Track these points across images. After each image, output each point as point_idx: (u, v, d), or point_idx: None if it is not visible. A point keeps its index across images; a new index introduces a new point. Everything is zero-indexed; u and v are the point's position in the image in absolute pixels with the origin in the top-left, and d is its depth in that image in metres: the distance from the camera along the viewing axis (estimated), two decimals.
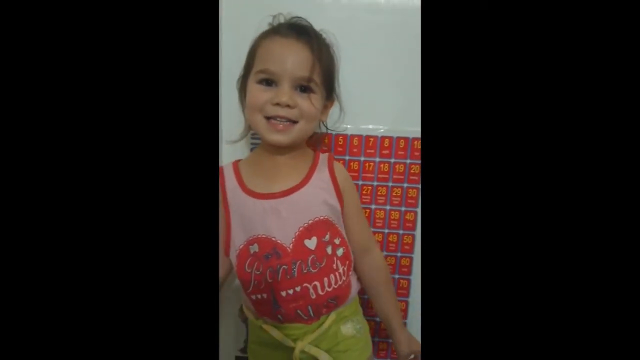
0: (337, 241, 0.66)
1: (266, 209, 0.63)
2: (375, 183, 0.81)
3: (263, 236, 0.63)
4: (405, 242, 0.83)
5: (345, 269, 0.66)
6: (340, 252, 0.66)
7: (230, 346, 0.87)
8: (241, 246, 0.64)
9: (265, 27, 0.67)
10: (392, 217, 0.82)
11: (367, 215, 0.82)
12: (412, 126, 0.78)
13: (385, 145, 0.80)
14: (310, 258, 0.63)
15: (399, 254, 0.83)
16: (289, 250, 0.62)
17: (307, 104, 0.62)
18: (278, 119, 0.61)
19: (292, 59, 0.60)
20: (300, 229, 0.63)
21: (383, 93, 0.78)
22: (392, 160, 0.80)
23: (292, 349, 0.64)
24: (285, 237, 0.62)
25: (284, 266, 0.62)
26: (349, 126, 0.79)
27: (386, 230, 0.83)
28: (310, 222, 0.63)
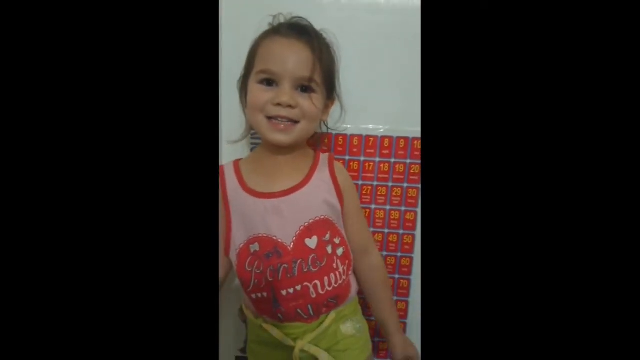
0: (337, 241, 0.66)
1: (267, 208, 0.63)
2: (375, 183, 0.81)
3: (264, 235, 0.63)
4: (405, 242, 0.83)
5: (345, 268, 0.67)
6: (340, 251, 0.66)
7: (230, 346, 0.87)
8: (242, 245, 0.64)
9: (265, 27, 0.67)
10: (392, 217, 0.82)
11: (367, 215, 0.82)
12: (412, 126, 0.78)
13: (385, 145, 0.80)
14: (310, 257, 0.63)
15: (399, 254, 0.83)
16: (290, 249, 0.62)
17: (308, 103, 0.62)
18: (279, 119, 0.61)
19: (293, 59, 0.60)
20: (301, 228, 0.63)
21: (383, 93, 0.78)
22: (392, 160, 0.80)
23: (292, 348, 0.64)
24: (286, 236, 0.63)
25: (285, 265, 0.62)
26: (349, 126, 0.79)
27: (386, 230, 0.83)
28: (311, 221, 0.63)
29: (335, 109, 0.72)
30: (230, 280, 0.77)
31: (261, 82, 0.62)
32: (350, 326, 0.68)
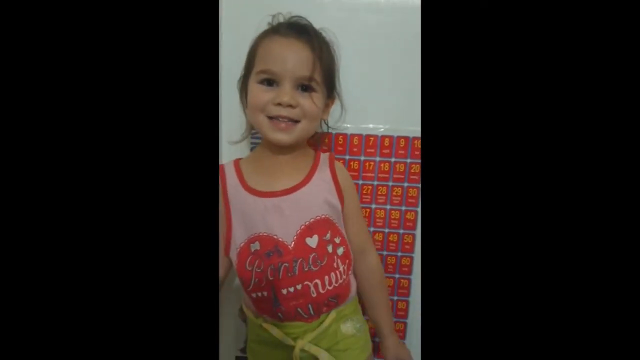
0: (337, 240, 0.66)
1: (268, 207, 0.63)
2: (375, 182, 0.81)
3: (264, 234, 0.63)
4: (405, 241, 0.83)
5: (345, 267, 0.67)
6: (340, 251, 0.66)
7: (230, 346, 0.87)
8: (242, 244, 0.64)
9: (264, 26, 0.67)
10: (392, 217, 0.82)
11: (367, 214, 0.82)
12: (412, 125, 0.78)
13: (386, 145, 0.80)
14: (311, 256, 0.63)
15: (399, 254, 0.83)
16: (291, 248, 0.62)
17: (309, 103, 0.62)
18: (280, 118, 0.61)
19: (293, 58, 0.60)
20: (302, 227, 0.63)
21: (383, 92, 0.78)
22: (393, 159, 0.80)
23: (292, 348, 0.64)
24: (286, 235, 0.63)
25: (285, 264, 0.62)
26: (349, 125, 0.79)
27: (386, 230, 0.82)
28: (312, 220, 0.64)
29: (335, 108, 0.72)
30: (230, 280, 0.77)
31: (261, 82, 0.62)
32: (350, 326, 0.68)
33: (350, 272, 0.69)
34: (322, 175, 0.66)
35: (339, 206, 0.66)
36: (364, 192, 0.81)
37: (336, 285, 0.65)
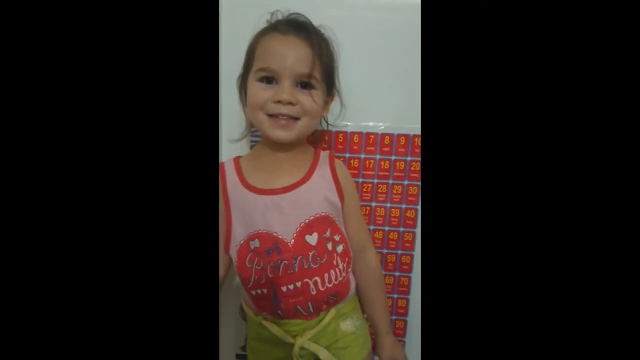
0: (337, 238, 0.66)
1: (267, 204, 0.63)
2: (375, 180, 0.81)
3: (264, 231, 0.63)
4: (405, 239, 0.83)
5: (344, 265, 0.67)
6: (340, 248, 0.66)
7: (231, 344, 0.87)
8: (242, 242, 0.64)
9: (263, 24, 0.67)
10: (392, 215, 0.82)
11: (367, 212, 0.82)
12: (412, 123, 0.78)
13: (386, 143, 0.79)
14: (311, 254, 0.63)
15: (399, 252, 0.83)
16: (290, 245, 0.62)
17: (309, 100, 0.61)
18: (280, 116, 0.61)
19: (292, 55, 0.60)
20: (302, 224, 0.63)
21: (383, 90, 0.78)
22: (393, 157, 0.80)
23: (292, 346, 0.64)
24: (286, 232, 0.63)
25: (285, 261, 0.62)
26: (349, 123, 0.78)
27: (387, 228, 0.82)
28: (312, 218, 0.64)
29: (335, 105, 0.72)
30: (230, 279, 0.77)
31: (261, 79, 0.62)
32: (350, 324, 0.68)
33: (349, 270, 0.69)
34: (322, 172, 0.66)
35: (339, 204, 0.66)
36: (364, 190, 0.81)
37: (336, 282, 0.65)
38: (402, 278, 0.84)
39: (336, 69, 0.68)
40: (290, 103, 0.60)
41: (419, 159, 0.79)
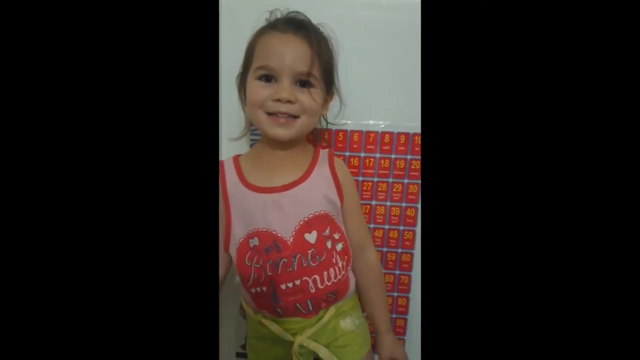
0: (336, 236, 0.66)
1: (267, 202, 0.63)
2: (375, 179, 0.81)
3: (263, 229, 0.63)
4: (406, 238, 0.83)
5: (344, 263, 0.67)
6: (339, 246, 0.66)
7: (231, 343, 0.87)
8: (241, 240, 0.65)
9: (262, 23, 0.67)
10: (392, 213, 0.82)
11: (367, 211, 0.82)
12: (412, 122, 0.78)
13: (386, 141, 0.79)
14: (310, 252, 0.63)
15: (399, 250, 0.83)
16: (289, 243, 0.62)
17: (308, 98, 0.61)
18: (279, 114, 0.61)
19: (291, 54, 0.60)
20: (301, 222, 0.63)
21: (383, 89, 0.78)
22: (393, 156, 0.80)
23: (291, 344, 0.64)
24: (285, 230, 0.63)
25: (284, 259, 0.62)
26: (349, 122, 0.78)
27: (387, 227, 0.82)
28: (311, 216, 0.64)
29: (334, 103, 0.72)
30: (230, 278, 0.77)
31: (260, 78, 0.62)
32: (349, 322, 0.68)
33: (349, 268, 0.69)
34: (322, 171, 0.66)
35: (338, 202, 0.66)
36: (364, 188, 0.81)
37: (335, 281, 0.65)
38: (402, 276, 0.84)
39: (335, 68, 0.68)
40: (289, 101, 0.60)
41: (419, 157, 0.79)
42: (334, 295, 0.65)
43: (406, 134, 0.79)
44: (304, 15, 0.66)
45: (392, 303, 0.85)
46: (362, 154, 0.80)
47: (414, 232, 0.82)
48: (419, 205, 0.81)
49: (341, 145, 0.80)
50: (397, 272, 0.84)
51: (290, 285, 0.62)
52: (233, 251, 0.66)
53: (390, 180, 0.81)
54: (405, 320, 0.86)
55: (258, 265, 0.63)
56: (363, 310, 0.74)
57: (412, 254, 0.83)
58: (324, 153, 0.69)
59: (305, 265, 0.63)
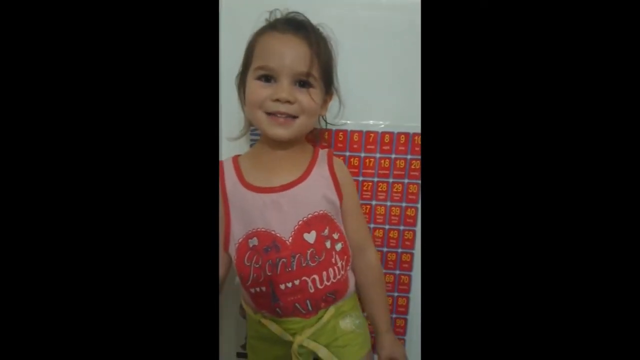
0: (335, 236, 0.66)
1: (266, 202, 0.63)
2: (375, 179, 0.81)
3: (262, 230, 0.63)
4: (406, 237, 0.83)
5: (343, 263, 0.67)
6: (338, 246, 0.66)
7: (231, 343, 0.87)
8: (240, 240, 0.65)
9: (262, 23, 0.67)
10: (392, 213, 0.82)
11: (367, 211, 0.82)
12: (412, 122, 0.78)
13: (386, 141, 0.79)
14: (309, 252, 0.63)
15: (399, 250, 0.83)
16: (288, 243, 0.62)
17: (307, 99, 0.61)
18: (278, 114, 0.61)
19: (291, 54, 0.60)
20: (300, 222, 0.63)
21: (383, 89, 0.78)
22: (393, 156, 0.80)
23: (291, 344, 0.64)
24: (284, 230, 0.63)
25: (283, 259, 0.62)
26: (349, 122, 0.78)
27: (387, 227, 0.82)
28: (310, 216, 0.64)
29: (333, 103, 0.72)
30: (230, 278, 0.77)
31: (259, 78, 0.62)
32: (349, 322, 0.68)
33: (348, 268, 0.69)
34: (321, 171, 0.66)
35: (338, 202, 0.66)
36: (365, 188, 0.81)
37: (334, 281, 0.65)
38: (403, 276, 0.84)
39: (334, 68, 0.68)
40: (288, 101, 0.60)
41: (419, 157, 0.79)
42: (333, 295, 0.65)
43: (406, 134, 0.79)
44: (304, 16, 0.66)
45: (392, 303, 0.85)
46: (362, 154, 0.80)
47: (414, 232, 0.82)
48: (419, 205, 0.81)
49: (341, 145, 0.80)
50: (398, 272, 0.84)
51: (289, 285, 0.62)
52: (232, 251, 0.66)
53: (391, 180, 0.81)
54: (406, 320, 0.86)
55: (257, 265, 0.63)
56: (363, 310, 0.74)
57: (412, 254, 0.83)
58: (323, 153, 0.69)
59: (304, 265, 0.63)
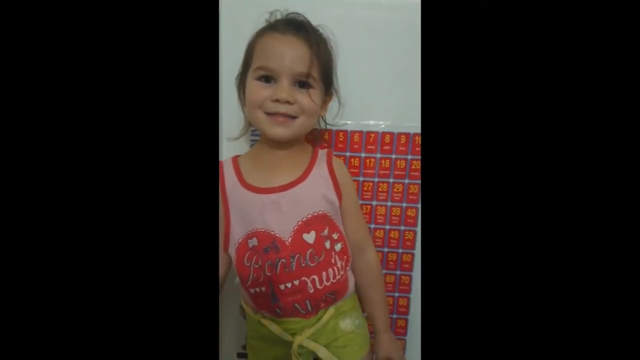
0: (335, 236, 0.66)
1: (265, 203, 0.63)
2: (376, 179, 0.81)
3: (262, 230, 0.63)
4: (406, 238, 0.83)
5: (343, 263, 0.67)
6: (338, 247, 0.66)
7: (232, 344, 0.87)
8: (240, 240, 0.65)
9: (262, 23, 0.67)
10: (393, 213, 0.82)
11: (368, 211, 0.82)
12: (413, 122, 0.78)
13: (386, 141, 0.79)
14: (308, 252, 0.63)
15: (400, 250, 0.83)
16: (288, 244, 0.63)
17: (307, 99, 0.62)
18: (278, 115, 0.61)
19: (291, 55, 0.60)
20: (299, 223, 0.63)
21: (384, 89, 0.78)
22: (393, 156, 0.80)
23: (291, 344, 0.64)
24: (284, 231, 0.63)
25: (283, 260, 0.62)
26: (349, 122, 0.78)
27: (387, 227, 0.82)
28: (309, 216, 0.64)
29: (333, 104, 0.72)
30: (231, 278, 0.77)
31: (259, 78, 0.62)
32: (349, 322, 0.68)
33: (348, 268, 0.69)
34: (320, 171, 0.66)
35: (337, 202, 0.66)
36: (365, 188, 0.81)
37: (334, 281, 0.65)
38: (403, 277, 0.84)
39: (334, 69, 0.68)
40: (288, 102, 0.60)
41: (420, 157, 0.79)
42: (333, 295, 0.65)
43: (407, 134, 0.79)
44: (304, 17, 0.66)
45: (393, 303, 0.85)
46: (363, 154, 0.80)
47: (414, 232, 0.82)
48: (420, 205, 0.81)
49: (342, 145, 0.80)
50: (398, 272, 0.84)
51: (289, 285, 0.62)
52: (232, 251, 0.66)
53: (391, 180, 0.81)
54: (406, 320, 0.86)
55: (257, 266, 0.63)
56: (363, 311, 0.74)
57: (413, 254, 0.83)
58: (322, 153, 0.69)
59: (303, 265, 0.63)
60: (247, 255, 0.64)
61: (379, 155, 0.80)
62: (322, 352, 0.65)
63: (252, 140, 0.80)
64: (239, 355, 0.88)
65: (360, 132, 0.79)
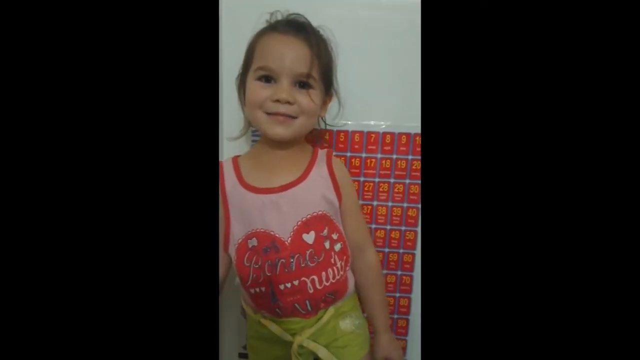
0: (334, 236, 0.66)
1: (265, 203, 0.63)
2: (377, 179, 0.81)
3: (262, 230, 0.63)
4: (407, 238, 0.83)
5: (342, 263, 0.67)
6: (338, 247, 0.66)
7: (233, 344, 0.87)
8: (240, 240, 0.65)
9: (262, 24, 0.67)
10: (394, 214, 0.82)
11: (369, 211, 0.82)
12: (413, 122, 0.78)
13: (387, 142, 0.79)
14: (308, 252, 0.63)
15: (401, 251, 0.83)
16: (287, 244, 0.63)
17: (307, 100, 0.62)
18: (278, 115, 0.61)
19: (291, 55, 0.60)
20: (299, 223, 0.63)
21: (384, 89, 0.78)
22: (394, 156, 0.80)
23: (291, 344, 0.64)
24: (283, 231, 0.63)
25: (282, 260, 0.62)
26: (350, 122, 0.78)
27: (388, 227, 0.82)
28: (309, 216, 0.64)
29: (333, 104, 0.72)
30: (231, 278, 0.77)
31: (259, 78, 0.62)
32: (349, 322, 0.68)
33: (347, 268, 0.69)
34: (320, 171, 0.66)
35: (337, 202, 0.66)
36: (366, 189, 0.81)
37: (333, 281, 0.65)
38: (404, 277, 0.84)
39: (334, 69, 0.69)
40: (288, 102, 0.60)
41: (420, 157, 0.79)
42: (332, 295, 0.65)
43: (407, 134, 0.79)
44: (304, 18, 0.66)
45: (394, 304, 0.85)
46: (364, 155, 0.80)
47: (415, 232, 0.82)
48: (421, 206, 0.81)
49: (342, 145, 0.80)
50: (399, 272, 0.84)
51: (288, 285, 0.63)
52: (232, 252, 0.66)
53: (392, 180, 0.81)
54: (407, 320, 0.85)
55: (257, 266, 0.63)
56: (363, 311, 0.74)
57: (413, 255, 0.83)
58: (322, 153, 0.69)
59: (303, 265, 0.63)
60: (247, 256, 0.64)
61: (379, 156, 0.80)
62: (322, 352, 0.65)
63: (253, 141, 0.80)
64: (241, 355, 0.88)
65: (361, 132, 0.79)
